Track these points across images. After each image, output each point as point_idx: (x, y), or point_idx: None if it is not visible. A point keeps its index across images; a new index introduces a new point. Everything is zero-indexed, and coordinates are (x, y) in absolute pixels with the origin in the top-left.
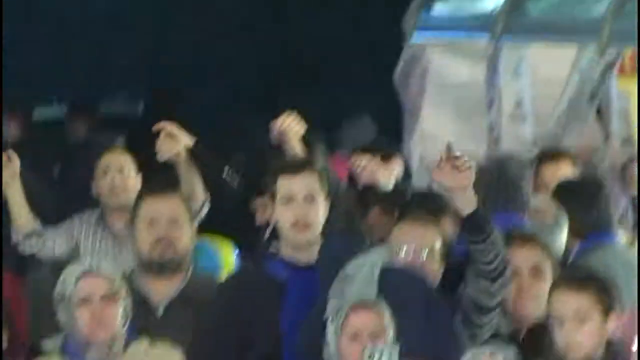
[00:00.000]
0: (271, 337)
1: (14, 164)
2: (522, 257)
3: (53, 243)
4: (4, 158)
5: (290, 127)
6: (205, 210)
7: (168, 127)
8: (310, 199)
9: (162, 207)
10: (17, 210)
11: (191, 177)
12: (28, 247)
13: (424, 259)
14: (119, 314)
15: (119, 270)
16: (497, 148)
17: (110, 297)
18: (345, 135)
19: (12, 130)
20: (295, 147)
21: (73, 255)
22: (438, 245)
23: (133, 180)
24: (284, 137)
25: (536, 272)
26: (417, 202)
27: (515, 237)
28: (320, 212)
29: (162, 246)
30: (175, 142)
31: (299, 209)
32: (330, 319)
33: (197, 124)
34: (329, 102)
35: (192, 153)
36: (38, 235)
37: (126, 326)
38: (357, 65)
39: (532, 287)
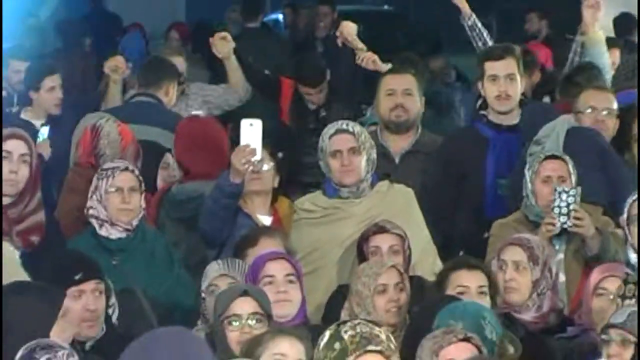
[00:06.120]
0: (478, 177)
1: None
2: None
3: None
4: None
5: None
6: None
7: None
8: (510, 77)
9: (398, 81)
10: None
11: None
12: None
13: (603, 117)
14: (363, 163)
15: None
16: None
17: (355, 150)
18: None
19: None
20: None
21: None
22: (615, 106)
23: None
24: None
25: None
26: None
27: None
28: (518, 88)
29: (398, 111)
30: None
31: (501, 85)
32: (527, 167)
33: None
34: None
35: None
36: None
37: (371, 172)
38: None
39: None
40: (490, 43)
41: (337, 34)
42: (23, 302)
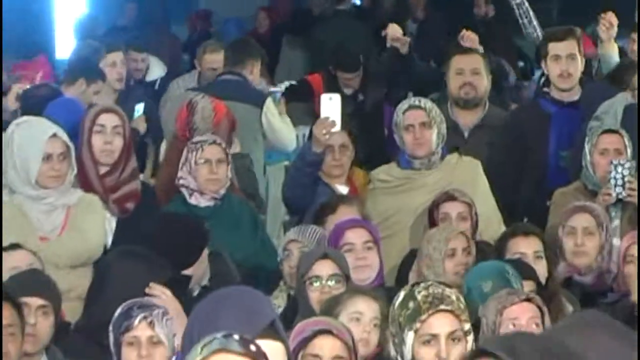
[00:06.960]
0: (541, 150)
1: None
2: None
3: None
4: None
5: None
6: None
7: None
8: (572, 57)
9: (467, 61)
10: None
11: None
12: None
13: None
14: (434, 137)
15: None
16: None
17: (427, 124)
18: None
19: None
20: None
21: None
22: None
23: None
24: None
25: None
26: None
27: None
28: (578, 67)
29: (466, 89)
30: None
31: (563, 65)
32: (587, 140)
33: None
34: None
35: None
36: None
37: (442, 145)
38: None
39: None
40: (535, 22)
41: (384, 34)
42: (130, 266)
